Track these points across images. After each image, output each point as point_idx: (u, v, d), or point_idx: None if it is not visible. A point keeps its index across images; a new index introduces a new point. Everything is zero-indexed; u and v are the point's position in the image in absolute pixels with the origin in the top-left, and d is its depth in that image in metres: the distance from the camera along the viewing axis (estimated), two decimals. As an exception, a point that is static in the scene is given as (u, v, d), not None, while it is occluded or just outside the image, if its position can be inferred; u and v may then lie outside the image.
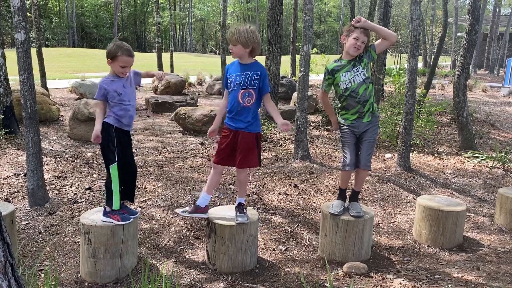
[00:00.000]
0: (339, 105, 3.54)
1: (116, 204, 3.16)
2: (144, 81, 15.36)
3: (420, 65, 23.43)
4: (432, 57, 14.99)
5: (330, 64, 3.52)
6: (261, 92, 3.26)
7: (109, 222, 3.12)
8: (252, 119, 3.26)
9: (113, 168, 3.12)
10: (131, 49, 3.22)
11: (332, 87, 3.54)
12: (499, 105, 13.62)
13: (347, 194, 3.71)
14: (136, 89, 3.29)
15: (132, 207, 3.44)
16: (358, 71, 3.37)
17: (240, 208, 3.38)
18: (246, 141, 3.28)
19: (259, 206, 4.57)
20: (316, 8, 48.11)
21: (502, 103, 14.12)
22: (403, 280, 3.13)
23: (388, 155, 6.78)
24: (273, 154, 6.55)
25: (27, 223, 4.09)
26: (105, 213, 3.18)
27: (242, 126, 3.25)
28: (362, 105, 3.41)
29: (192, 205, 3.40)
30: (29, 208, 4.36)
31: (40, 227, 4.02)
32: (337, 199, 3.66)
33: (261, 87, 3.23)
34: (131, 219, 3.20)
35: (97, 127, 3.11)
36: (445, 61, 31.06)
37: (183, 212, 3.39)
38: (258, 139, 3.34)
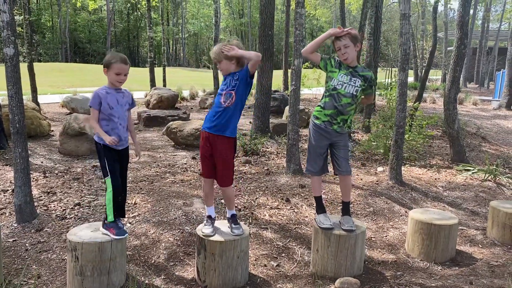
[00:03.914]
0: (321, 100, 3.55)
1: (110, 216, 3.18)
2: (136, 95, 15.38)
3: (411, 79, 23.69)
4: (423, 71, 15.14)
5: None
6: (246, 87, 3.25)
7: (106, 234, 3.14)
8: (229, 119, 3.22)
9: (107, 181, 3.18)
10: (127, 58, 3.26)
11: (326, 80, 3.52)
12: (490, 118, 13.76)
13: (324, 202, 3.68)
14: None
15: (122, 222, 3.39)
16: (355, 83, 3.40)
17: (234, 219, 3.36)
18: (223, 147, 3.25)
19: (250, 221, 4.52)
20: (308, 24, 48.63)
21: (492, 116, 14.27)
22: (396, 296, 3.09)
23: (380, 169, 6.78)
24: (265, 168, 6.52)
25: (13, 240, 4.00)
26: (104, 225, 3.22)
27: (220, 128, 3.21)
28: (337, 114, 3.42)
29: (210, 220, 3.37)
30: (16, 225, 4.27)
31: (27, 244, 3.93)
32: (318, 214, 3.59)
33: (241, 86, 3.21)
34: (126, 235, 3.18)
35: (102, 132, 3.12)
36: (435, 75, 31.48)
37: (206, 229, 3.30)
38: (235, 146, 3.34)
